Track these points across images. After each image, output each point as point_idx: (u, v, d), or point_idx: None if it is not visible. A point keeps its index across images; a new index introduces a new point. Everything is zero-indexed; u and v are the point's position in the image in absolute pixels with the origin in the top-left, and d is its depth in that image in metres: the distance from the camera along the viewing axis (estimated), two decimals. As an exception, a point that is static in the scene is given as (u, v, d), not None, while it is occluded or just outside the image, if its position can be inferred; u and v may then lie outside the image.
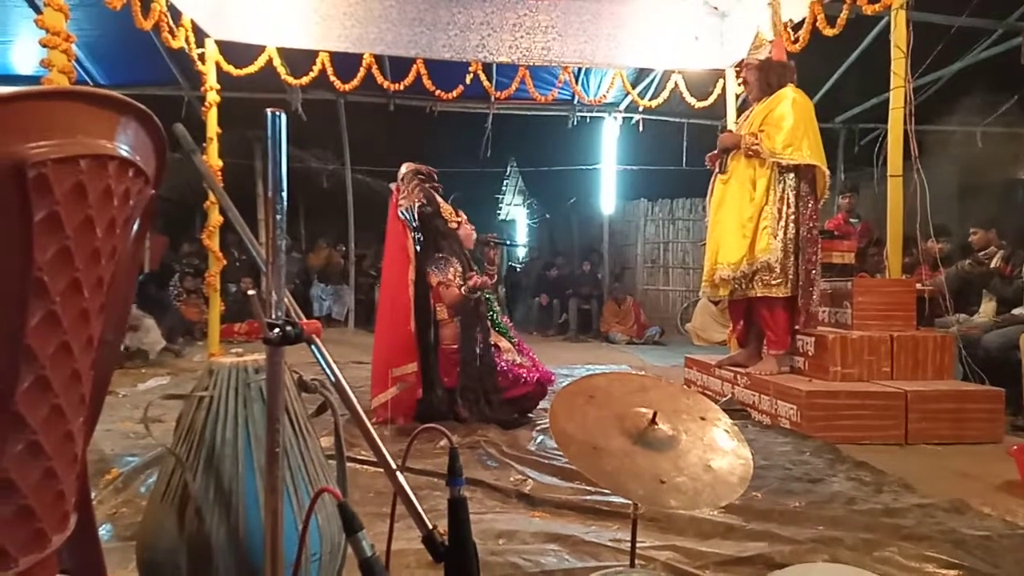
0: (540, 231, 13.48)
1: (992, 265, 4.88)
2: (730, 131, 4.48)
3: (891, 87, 4.37)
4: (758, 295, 4.18)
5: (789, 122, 4.07)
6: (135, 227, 1.17)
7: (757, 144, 4.12)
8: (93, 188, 0.94)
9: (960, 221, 8.64)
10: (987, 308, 4.94)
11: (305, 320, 1.28)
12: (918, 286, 4.48)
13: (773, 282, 4.12)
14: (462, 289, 3.82)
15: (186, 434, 1.63)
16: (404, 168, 4.11)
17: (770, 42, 4.43)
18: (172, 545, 1.54)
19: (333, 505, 1.61)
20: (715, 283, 4.30)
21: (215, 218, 5.70)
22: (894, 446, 3.62)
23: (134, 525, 2.08)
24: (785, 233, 4.11)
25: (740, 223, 4.18)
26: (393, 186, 4.16)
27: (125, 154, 1.03)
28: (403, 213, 3.95)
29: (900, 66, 4.30)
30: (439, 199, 4.07)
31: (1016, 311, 4.93)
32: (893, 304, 4.20)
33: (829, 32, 4.86)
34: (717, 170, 4.46)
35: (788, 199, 4.11)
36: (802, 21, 5.06)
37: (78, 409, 1.02)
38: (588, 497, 2.59)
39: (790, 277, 4.12)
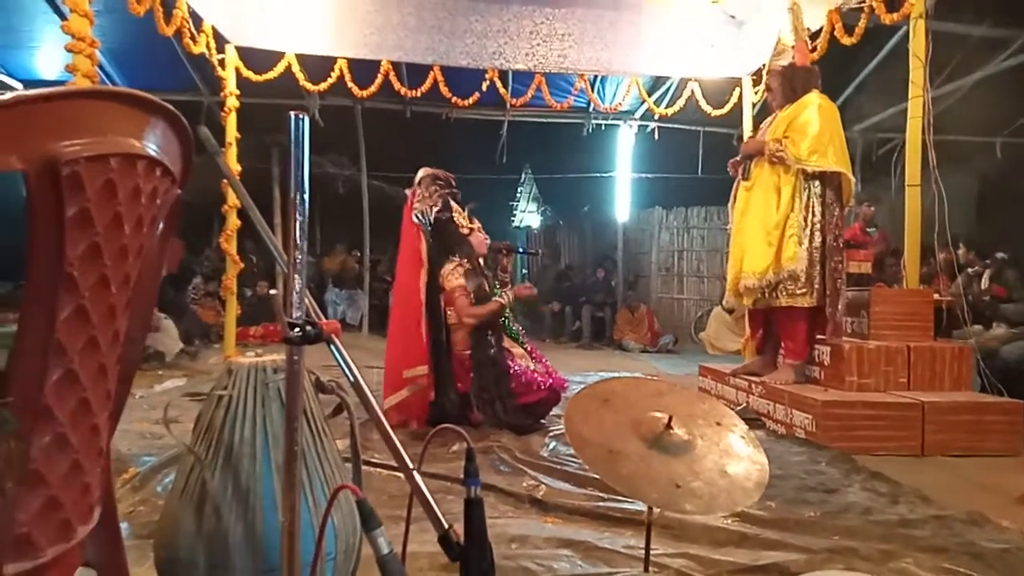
0: (553, 238, 13.48)
1: (983, 286, 4.82)
2: (752, 137, 4.43)
3: (909, 96, 4.35)
4: (782, 304, 4.12)
5: (815, 128, 4.01)
6: (161, 226, 1.20)
7: (782, 150, 4.05)
8: (123, 186, 0.96)
9: (978, 232, 8.58)
10: (998, 332, 4.89)
11: (324, 320, 1.29)
12: (936, 296, 4.44)
13: (798, 292, 4.05)
14: (502, 297, 3.89)
15: (205, 432, 1.65)
16: (421, 172, 4.13)
17: (792, 47, 4.41)
18: (190, 543, 1.56)
19: (348, 506, 1.62)
20: (739, 292, 4.24)
21: (233, 222, 5.75)
22: (910, 457, 3.58)
23: (151, 523, 2.10)
24: (811, 242, 4.06)
25: (765, 231, 4.12)
26: (409, 191, 4.18)
27: (153, 154, 1.05)
28: (417, 217, 3.98)
29: (919, 75, 4.27)
30: (454, 205, 4.08)
31: (1035, 323, 4.89)
32: (911, 314, 4.16)
33: (847, 41, 4.85)
34: (740, 177, 4.41)
35: (813, 207, 4.06)
36: (820, 30, 5.05)
37: (104, 403, 1.04)
38: (601, 503, 2.58)
39: (815, 287, 4.05)
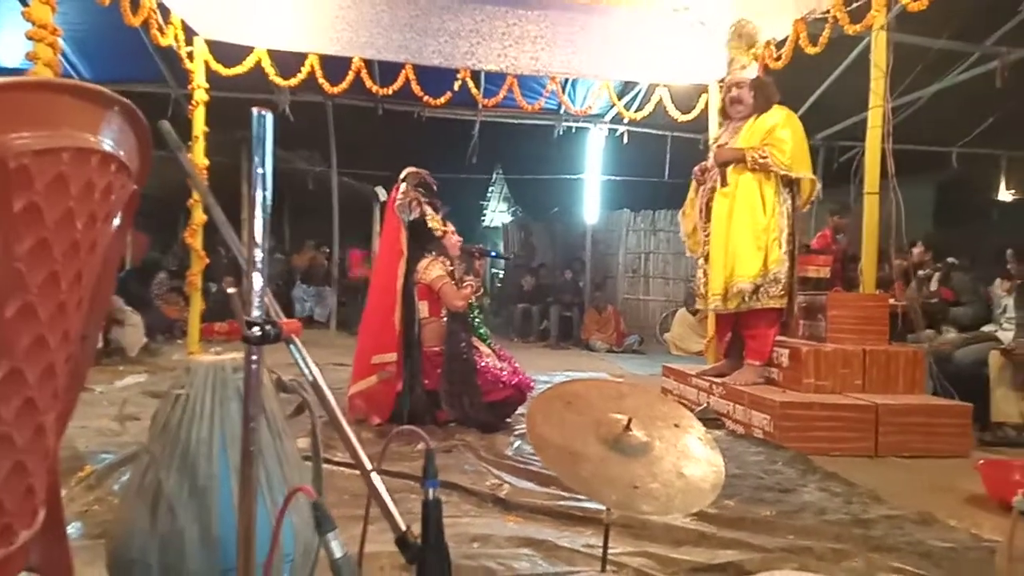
0: (522, 240, 13.51)
1: (932, 288, 4.95)
2: (720, 145, 4.50)
3: (870, 106, 4.45)
4: (763, 307, 4.22)
5: (790, 137, 4.18)
6: (116, 222, 1.18)
7: (766, 157, 4.16)
8: (75, 181, 0.94)
9: (936, 239, 8.79)
10: (951, 336, 5.01)
11: (285, 320, 1.28)
12: (891, 301, 4.55)
13: (777, 294, 4.19)
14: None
15: (161, 432, 1.62)
16: (407, 171, 4.14)
17: (755, 57, 4.49)
18: (143, 543, 1.54)
19: (308, 506, 1.62)
20: (728, 297, 4.28)
21: (198, 217, 5.67)
22: (864, 458, 3.66)
23: (105, 523, 2.06)
24: (789, 245, 4.23)
25: (754, 235, 4.21)
26: (384, 190, 4.20)
27: (109, 148, 1.03)
28: (399, 210, 4.00)
29: (879, 86, 4.38)
30: (429, 211, 4.10)
31: (986, 328, 5.03)
32: (867, 318, 4.25)
33: (811, 50, 4.94)
34: (714, 184, 4.43)
35: (787, 212, 4.24)
36: (785, 39, 5.14)
37: (51, 403, 1.02)
38: (563, 502, 2.60)
39: (790, 288, 4.23)
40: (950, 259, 5.14)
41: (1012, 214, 9.79)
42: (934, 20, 5.57)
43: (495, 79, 7.04)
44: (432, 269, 3.95)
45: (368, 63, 6.29)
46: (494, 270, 13.70)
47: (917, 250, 4.72)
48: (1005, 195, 9.87)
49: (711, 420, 4.26)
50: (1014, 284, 4.70)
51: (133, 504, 1.60)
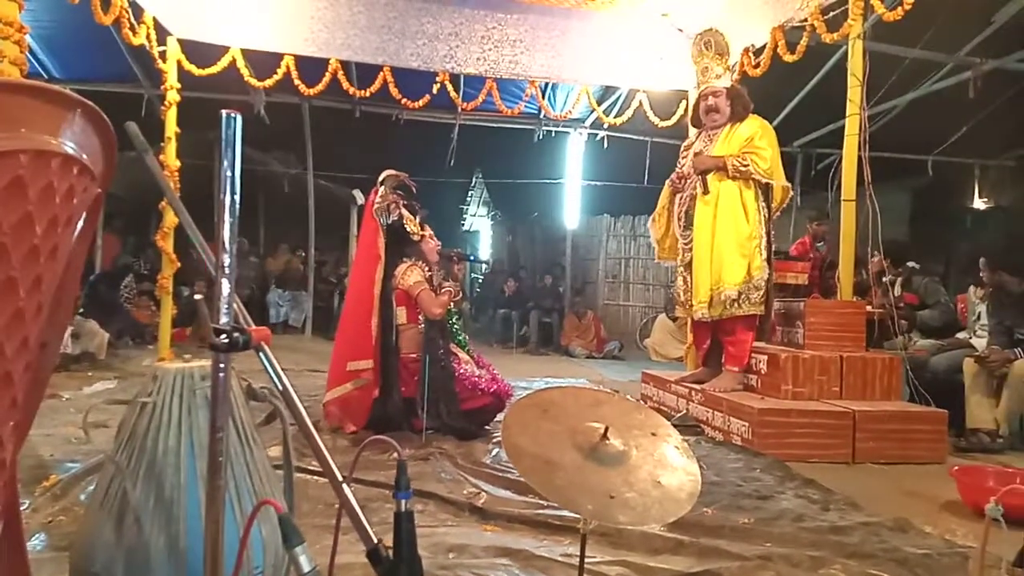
0: (503, 244, 13.51)
1: (896, 293, 5.00)
2: (697, 154, 4.52)
3: (847, 114, 4.49)
4: (744, 313, 4.25)
5: (768, 146, 4.26)
6: (79, 226, 1.14)
7: (747, 165, 4.21)
8: (34, 184, 0.91)
9: (912, 246, 8.92)
10: (927, 343, 5.06)
11: (254, 327, 1.25)
12: (868, 308, 4.59)
13: (758, 300, 4.25)
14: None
15: (127, 441, 1.58)
16: (385, 173, 4.10)
17: (728, 68, 4.51)
18: (108, 555, 1.49)
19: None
20: (713, 304, 4.30)
21: (170, 219, 5.58)
22: (842, 464, 3.69)
23: (71, 535, 2.00)
24: (767, 252, 4.31)
25: (739, 243, 4.26)
26: (362, 193, 4.15)
27: (70, 151, 1.00)
28: (377, 214, 3.96)
29: (856, 94, 4.42)
30: (407, 214, 4.05)
31: (960, 335, 5.09)
32: (844, 325, 4.29)
33: (789, 58, 4.98)
34: (694, 192, 4.45)
35: (765, 219, 4.32)
36: (763, 46, 5.18)
37: (8, 413, 0.98)
38: (541, 511, 2.58)
39: (768, 295, 4.30)
40: (909, 263, 5.19)
41: (985, 222, 9.96)
42: (909, 30, 5.67)
43: (474, 82, 7.02)
44: (410, 275, 3.91)
45: (345, 64, 6.24)
46: (474, 275, 13.66)
47: (875, 260, 4.78)
48: (979, 203, 10.04)
49: (690, 427, 4.27)
50: (987, 292, 4.76)
51: (98, 515, 1.55)
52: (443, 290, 3.97)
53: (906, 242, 5.35)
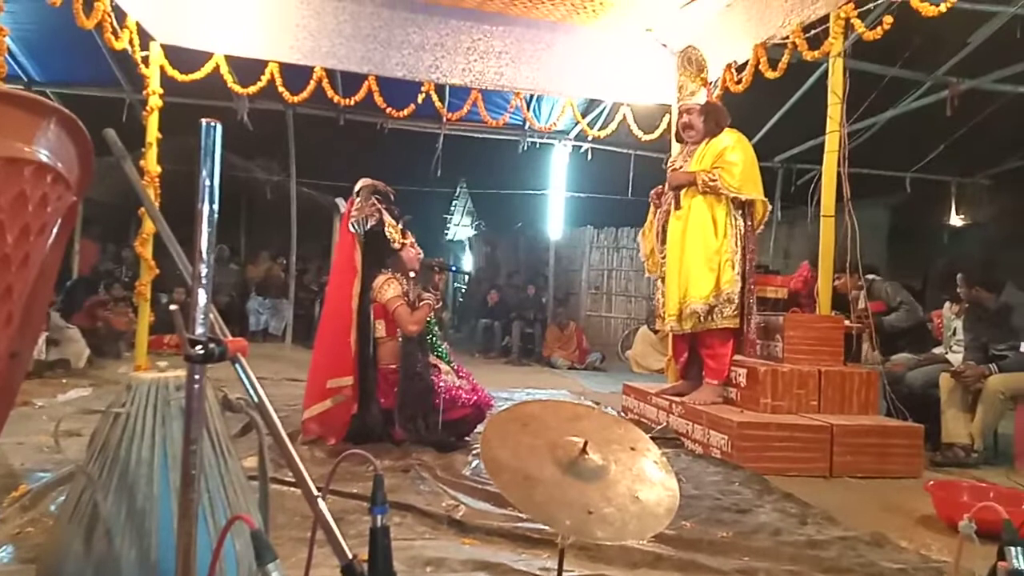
0: (481, 255, 13.50)
1: (860, 305, 5.04)
2: (674, 170, 4.58)
3: (827, 131, 4.55)
4: (718, 326, 4.28)
5: (740, 161, 4.28)
6: (53, 234, 1.12)
7: (715, 180, 4.26)
8: (5, 192, 0.90)
9: (889, 261, 9.05)
10: (903, 356, 5.09)
11: (231, 337, 1.24)
12: (846, 323, 4.63)
13: (731, 313, 4.28)
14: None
15: (100, 451, 1.56)
16: (361, 183, 4.06)
17: (704, 85, 4.56)
18: (77, 569, 1.47)
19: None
20: (683, 318, 4.34)
21: (149, 226, 5.51)
22: (819, 478, 3.71)
23: (39, 547, 1.97)
24: (741, 266, 4.32)
25: (706, 257, 4.30)
26: (342, 200, 4.11)
27: (44, 159, 0.99)
28: (353, 226, 3.91)
29: (836, 111, 4.48)
30: (388, 219, 4.03)
31: (936, 350, 5.15)
32: (822, 340, 4.33)
33: (771, 75, 5.04)
34: (669, 207, 4.51)
35: (739, 233, 4.33)
36: (745, 62, 5.24)
37: (-25, 424, 0.96)
38: (520, 524, 2.56)
39: (742, 308, 4.31)
40: (869, 276, 5.25)
41: (962, 238, 10.12)
42: (888, 49, 5.76)
43: (459, 93, 7.02)
44: (387, 289, 3.86)
45: (330, 72, 6.21)
46: (456, 284, 13.64)
47: (839, 281, 4.84)
48: (956, 220, 10.19)
49: (670, 439, 4.28)
50: (963, 307, 4.82)
51: (67, 527, 1.52)
52: (421, 302, 3.93)
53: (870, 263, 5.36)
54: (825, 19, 4.59)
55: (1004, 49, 6.32)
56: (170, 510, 1.46)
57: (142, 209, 5.53)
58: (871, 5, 4.68)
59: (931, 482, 3.21)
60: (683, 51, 4.65)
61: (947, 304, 5.30)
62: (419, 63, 6.10)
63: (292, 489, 2.77)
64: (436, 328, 4.22)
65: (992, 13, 6.00)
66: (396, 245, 3.99)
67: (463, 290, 13.59)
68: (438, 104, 6.49)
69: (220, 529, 1.46)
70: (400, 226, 4.06)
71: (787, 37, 4.86)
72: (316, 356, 4.03)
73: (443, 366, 4.02)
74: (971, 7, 5.54)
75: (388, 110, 6.46)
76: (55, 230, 1.13)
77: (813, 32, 4.73)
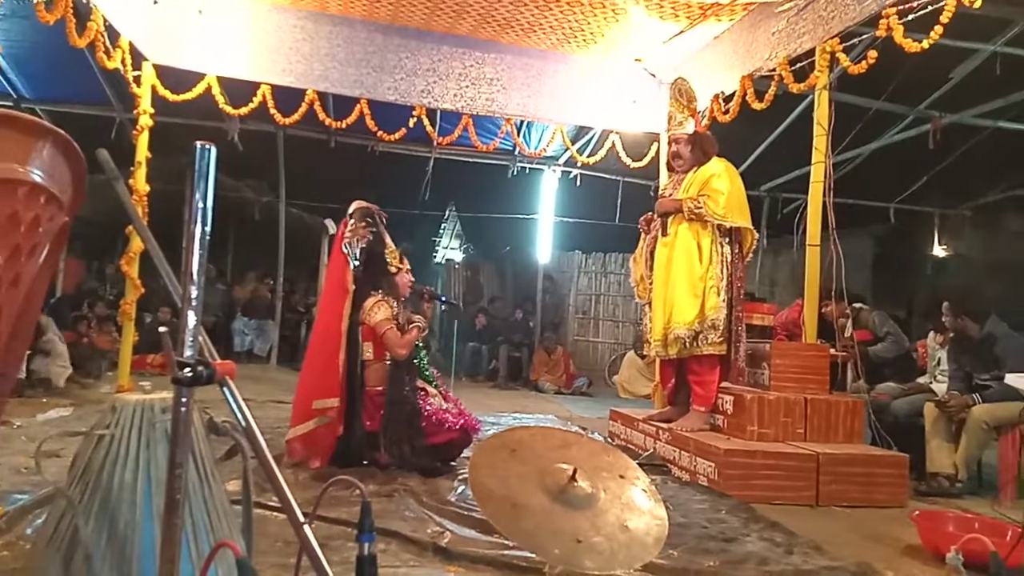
0: (462, 279, 13.47)
1: (847, 334, 5.09)
2: (663, 197, 4.63)
3: (812, 161, 4.62)
4: (703, 353, 4.29)
5: (727, 189, 4.32)
6: (43, 254, 1.12)
7: (701, 207, 4.30)
8: (-2, 213, 0.89)
9: (873, 290, 9.14)
10: (889, 386, 5.11)
11: (219, 360, 1.23)
12: (831, 352, 4.66)
13: (717, 340, 4.29)
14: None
15: (82, 474, 1.53)
16: (355, 204, 4.07)
17: (692, 115, 4.62)
18: (55, 596, 1.43)
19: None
20: (667, 343, 4.36)
21: (136, 244, 5.49)
22: (806, 507, 3.70)
23: (15, 571, 1.92)
24: (727, 293, 4.34)
25: (691, 284, 4.33)
26: (329, 221, 4.11)
27: (38, 179, 0.98)
28: (346, 247, 3.91)
29: (821, 142, 4.55)
30: (388, 241, 4.04)
31: (921, 380, 5.18)
32: (808, 368, 4.35)
33: (758, 106, 5.13)
34: (657, 233, 4.56)
35: (726, 260, 4.36)
36: (733, 93, 5.32)
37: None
38: (506, 552, 2.53)
39: (729, 335, 4.31)
40: (855, 304, 5.29)
41: (945, 269, 10.25)
42: (873, 83, 5.87)
43: (450, 118, 7.09)
44: (377, 312, 3.85)
45: (322, 95, 6.25)
46: (443, 309, 13.60)
47: (827, 308, 4.89)
48: (938, 250, 10.33)
49: (657, 466, 4.27)
50: (947, 337, 4.86)
51: (45, 552, 1.49)
52: (411, 325, 3.92)
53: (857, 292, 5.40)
54: (811, 52, 4.69)
55: (984, 85, 6.47)
56: (152, 536, 1.44)
57: (129, 227, 5.53)
58: (856, 40, 4.78)
59: (916, 512, 3.22)
60: (674, 83, 4.72)
61: (931, 334, 5.34)
62: (411, 88, 6.16)
63: (274, 514, 2.74)
64: (424, 352, 4.20)
65: (973, 50, 6.14)
66: (392, 269, 3.99)
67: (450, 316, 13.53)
68: (429, 128, 6.55)
69: (203, 556, 1.43)
70: (398, 252, 4.07)
71: (774, 69, 4.96)
72: (303, 376, 4.01)
73: (430, 389, 4.00)
74: (953, 44, 5.67)
75: (379, 133, 6.50)
76: (45, 250, 1.12)
77: (799, 65, 4.82)
